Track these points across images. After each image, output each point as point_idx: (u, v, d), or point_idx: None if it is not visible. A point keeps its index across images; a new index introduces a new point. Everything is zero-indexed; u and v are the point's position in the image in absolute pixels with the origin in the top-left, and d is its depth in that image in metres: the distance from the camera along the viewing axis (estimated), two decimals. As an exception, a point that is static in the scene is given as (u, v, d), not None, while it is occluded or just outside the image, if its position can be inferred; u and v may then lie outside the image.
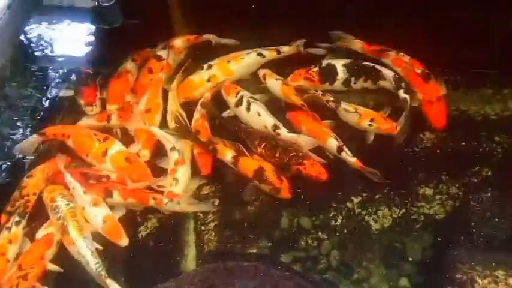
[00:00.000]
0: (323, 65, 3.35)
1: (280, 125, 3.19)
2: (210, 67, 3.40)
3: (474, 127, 3.25)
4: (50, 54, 3.93)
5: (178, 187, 3.01)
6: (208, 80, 3.37)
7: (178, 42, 3.57)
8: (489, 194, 2.87)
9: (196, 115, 3.29)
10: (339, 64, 3.34)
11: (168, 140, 3.14)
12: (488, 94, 3.38)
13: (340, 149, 3.10)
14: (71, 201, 2.97)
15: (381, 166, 3.08)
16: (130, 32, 3.72)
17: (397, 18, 3.28)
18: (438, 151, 3.20)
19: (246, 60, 3.42)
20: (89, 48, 3.89)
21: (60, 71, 3.78)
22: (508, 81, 3.39)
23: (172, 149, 3.11)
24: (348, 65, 3.33)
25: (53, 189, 3.04)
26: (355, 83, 3.31)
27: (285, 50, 3.47)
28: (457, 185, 3.09)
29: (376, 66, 3.29)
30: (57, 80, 3.73)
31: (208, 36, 3.57)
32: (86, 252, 2.75)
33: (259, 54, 3.44)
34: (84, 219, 2.91)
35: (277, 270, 2.63)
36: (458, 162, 3.16)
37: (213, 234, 3.06)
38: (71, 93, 3.53)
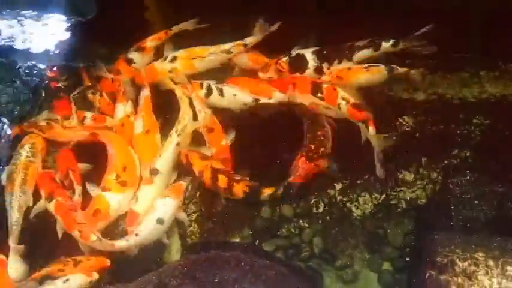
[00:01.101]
0: (292, 55, 3.33)
1: (259, 96, 3.20)
2: (174, 59, 3.38)
3: (452, 110, 3.25)
4: (23, 47, 3.86)
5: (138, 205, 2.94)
6: (170, 71, 3.35)
7: (150, 43, 3.52)
8: (468, 177, 2.89)
9: None
10: (308, 53, 3.30)
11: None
12: (465, 77, 3.38)
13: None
14: (35, 155, 3.10)
15: (360, 151, 3.08)
16: (104, 24, 3.65)
17: (377, 3, 3.26)
18: (417, 135, 3.20)
19: (210, 58, 3.40)
20: (62, 40, 3.82)
21: (32, 64, 3.72)
22: (484, 64, 3.40)
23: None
24: (317, 52, 3.31)
25: (32, 138, 3.23)
26: (328, 68, 3.28)
27: (251, 40, 3.42)
28: (437, 169, 3.10)
29: (345, 44, 3.29)
30: (31, 73, 3.67)
31: (180, 26, 3.54)
32: (14, 204, 2.93)
33: (226, 52, 3.40)
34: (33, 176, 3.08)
35: (259, 259, 2.62)
36: (437, 145, 3.17)
37: (196, 226, 3.04)
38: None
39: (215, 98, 3.24)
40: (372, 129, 2.94)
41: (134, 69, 3.42)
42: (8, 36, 3.88)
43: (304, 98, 3.16)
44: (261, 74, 3.34)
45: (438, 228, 2.66)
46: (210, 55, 3.38)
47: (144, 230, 2.80)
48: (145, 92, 3.30)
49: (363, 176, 3.15)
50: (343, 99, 3.08)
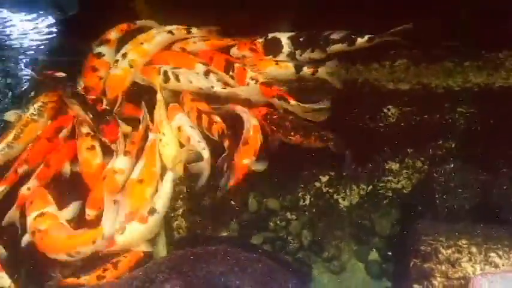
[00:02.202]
0: (268, 37, 3.34)
1: (214, 83, 3.23)
2: (125, 55, 3.33)
3: (437, 100, 3.26)
4: (7, 43, 3.84)
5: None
6: (131, 66, 3.30)
7: (112, 34, 3.48)
8: (452, 165, 2.90)
9: None
10: (285, 37, 3.32)
11: None
12: (449, 67, 3.39)
13: (207, 72, 3.25)
14: (41, 115, 3.21)
15: (346, 142, 3.09)
16: (87, 20, 3.64)
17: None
18: (402, 125, 3.21)
19: (157, 39, 3.42)
20: (46, 37, 3.80)
21: (19, 60, 3.70)
22: (468, 54, 3.41)
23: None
24: (293, 38, 3.32)
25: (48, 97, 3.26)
26: (300, 55, 3.30)
27: (195, 31, 3.51)
28: (422, 158, 3.13)
29: (325, 33, 3.29)
30: (16, 72, 3.65)
31: (142, 23, 3.53)
32: None
33: (169, 32, 3.46)
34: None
35: (246, 252, 2.62)
36: (422, 135, 3.18)
37: (183, 220, 3.05)
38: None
39: (173, 83, 3.26)
40: (293, 101, 3.01)
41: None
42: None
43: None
44: (235, 51, 3.36)
45: (423, 217, 2.68)
46: (155, 35, 3.41)
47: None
48: (152, 136, 3.09)
49: (350, 167, 3.16)
50: (252, 78, 3.18)
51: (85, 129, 3.13)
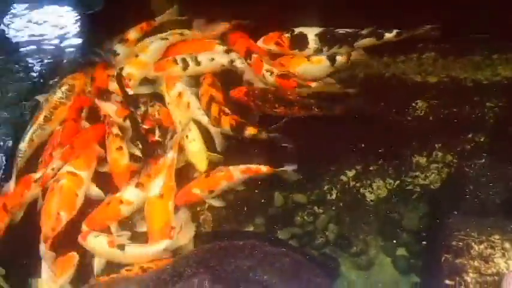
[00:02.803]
0: (295, 33, 3.32)
1: (235, 58, 3.33)
2: (121, 70, 3.29)
3: (466, 93, 3.22)
4: (32, 41, 3.86)
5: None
6: (129, 79, 3.26)
7: (132, 34, 3.50)
8: (483, 160, 2.85)
9: None
10: (312, 33, 3.30)
11: None
12: (478, 60, 3.34)
13: (228, 51, 3.34)
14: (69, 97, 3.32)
15: (373, 137, 3.06)
16: (112, 16, 3.65)
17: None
18: (431, 119, 3.17)
19: (152, 48, 3.38)
20: (72, 34, 3.82)
21: (43, 59, 3.72)
22: (497, 47, 3.36)
23: None
24: (321, 34, 3.29)
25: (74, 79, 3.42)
26: (328, 51, 3.28)
27: (187, 32, 3.50)
28: (452, 153, 3.08)
29: (349, 30, 3.27)
30: (41, 68, 3.67)
31: (162, 19, 3.56)
32: (28, 135, 3.17)
33: (164, 39, 3.44)
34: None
35: (273, 247, 2.61)
36: (451, 129, 3.14)
37: (209, 215, 3.04)
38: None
39: (193, 68, 3.30)
40: (314, 84, 3.13)
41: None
42: (17, 31, 3.89)
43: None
44: (261, 44, 3.36)
45: (453, 212, 2.63)
46: (150, 44, 3.38)
47: None
48: (171, 155, 3.05)
49: (377, 161, 3.13)
50: (267, 71, 3.23)
51: (115, 130, 3.15)
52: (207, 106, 3.17)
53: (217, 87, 3.28)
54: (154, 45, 3.38)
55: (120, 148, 3.07)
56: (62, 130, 3.19)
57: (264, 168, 2.94)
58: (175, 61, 3.30)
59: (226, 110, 3.13)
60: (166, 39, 3.43)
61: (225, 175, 2.95)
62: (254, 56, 3.29)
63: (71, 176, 2.93)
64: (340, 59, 3.17)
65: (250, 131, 3.06)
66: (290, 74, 3.22)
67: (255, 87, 3.22)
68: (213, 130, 3.13)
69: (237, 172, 2.96)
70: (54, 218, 2.81)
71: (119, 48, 3.44)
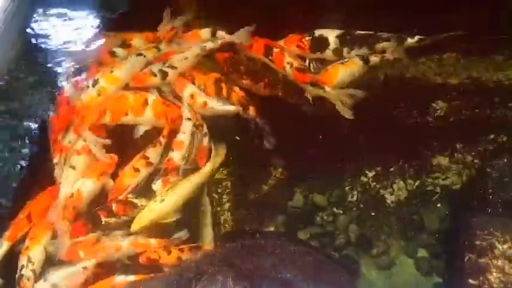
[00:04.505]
0: (315, 35, 3.33)
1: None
2: (95, 82, 3.16)
3: (487, 94, 3.20)
4: (58, 45, 3.90)
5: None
6: (99, 94, 3.14)
7: (135, 41, 3.40)
8: (505, 160, 2.84)
9: None
10: (332, 35, 3.30)
11: None
12: (499, 60, 3.32)
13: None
14: None
15: (393, 138, 3.07)
16: (137, 19, 3.68)
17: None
18: (452, 120, 3.16)
19: (128, 64, 3.24)
20: (96, 37, 3.85)
21: (67, 63, 3.76)
22: (519, 47, 3.34)
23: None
24: (341, 36, 3.29)
25: None
26: (348, 52, 3.27)
27: (162, 47, 3.36)
28: (473, 153, 3.07)
29: (370, 32, 3.26)
30: (66, 73, 3.70)
31: (163, 29, 3.44)
32: None
33: (140, 55, 3.29)
34: None
35: (295, 246, 2.62)
36: (472, 130, 3.13)
37: (229, 215, 3.07)
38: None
39: (172, 73, 3.20)
40: (327, 87, 3.01)
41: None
42: (40, 35, 3.93)
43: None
44: (284, 45, 3.28)
45: (475, 212, 2.63)
46: (125, 61, 3.25)
47: None
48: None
49: (396, 162, 3.13)
50: (288, 63, 3.14)
51: None
52: (216, 92, 3.13)
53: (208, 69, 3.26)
54: (130, 61, 3.26)
55: None
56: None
57: (153, 241, 2.79)
58: (152, 73, 3.19)
59: (235, 88, 3.14)
60: (143, 55, 3.29)
61: (114, 245, 2.79)
62: (275, 50, 3.22)
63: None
64: (373, 59, 3.15)
65: (251, 112, 3.09)
66: (306, 68, 3.17)
67: (237, 55, 3.24)
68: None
69: (126, 243, 2.79)
70: None
71: (119, 51, 3.36)
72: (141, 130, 3.10)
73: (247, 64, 3.20)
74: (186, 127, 2.98)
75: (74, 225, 2.81)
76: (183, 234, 2.80)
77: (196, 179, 2.90)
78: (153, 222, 2.81)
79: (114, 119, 3.02)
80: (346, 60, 3.13)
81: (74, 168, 2.94)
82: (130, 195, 2.86)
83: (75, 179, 2.93)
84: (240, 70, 3.18)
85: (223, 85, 3.14)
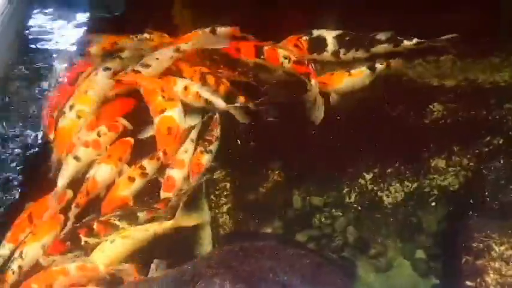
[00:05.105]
0: (313, 36, 3.34)
1: None
2: (72, 107, 3.19)
3: (484, 96, 3.21)
4: (55, 46, 3.90)
5: None
6: (79, 117, 3.17)
7: (94, 49, 3.43)
8: (502, 162, 2.85)
9: None
10: (330, 36, 3.32)
11: None
12: (496, 62, 3.33)
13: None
14: None
15: (391, 140, 3.07)
16: (132, 21, 3.68)
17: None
18: (448, 122, 3.17)
19: (98, 81, 3.26)
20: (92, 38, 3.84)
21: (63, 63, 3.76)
22: (515, 48, 3.35)
23: None
24: (339, 37, 3.31)
25: None
26: (344, 54, 3.30)
27: (126, 55, 3.38)
28: (469, 156, 3.07)
29: (367, 34, 3.28)
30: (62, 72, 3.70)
31: (123, 42, 3.43)
32: None
33: (107, 69, 3.31)
34: None
35: (293, 249, 2.63)
36: (469, 132, 3.13)
37: (227, 217, 3.07)
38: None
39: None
40: (313, 82, 3.07)
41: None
42: (37, 36, 3.92)
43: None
44: (280, 50, 3.32)
45: (472, 214, 2.64)
46: (95, 78, 3.27)
47: None
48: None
49: (393, 164, 3.14)
50: (285, 57, 3.19)
51: None
52: (202, 83, 3.18)
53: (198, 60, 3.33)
54: (99, 77, 3.27)
55: None
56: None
57: (101, 266, 2.72)
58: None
59: (222, 79, 3.19)
60: (109, 69, 3.31)
61: (61, 270, 2.72)
62: (266, 48, 3.25)
63: None
64: (379, 66, 3.17)
65: (241, 100, 3.13)
66: (304, 60, 3.22)
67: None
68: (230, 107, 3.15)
69: (73, 268, 2.72)
70: None
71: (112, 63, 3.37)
72: (148, 132, 3.17)
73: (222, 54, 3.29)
74: (189, 147, 3.05)
75: (53, 242, 2.81)
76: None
77: (155, 228, 2.83)
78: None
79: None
80: (353, 70, 3.17)
81: (78, 159, 2.98)
82: (113, 217, 2.84)
83: (77, 171, 2.99)
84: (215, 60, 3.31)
85: (211, 77, 3.18)
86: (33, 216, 2.91)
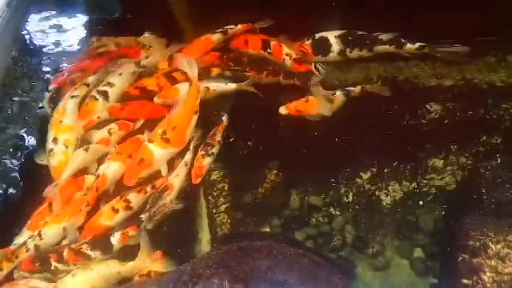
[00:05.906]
0: (316, 38, 3.36)
1: None
2: (55, 140, 3.17)
3: (480, 95, 3.22)
4: (52, 48, 3.91)
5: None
6: (67, 147, 3.17)
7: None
8: (499, 161, 2.86)
9: None
10: (332, 36, 3.34)
11: None
12: (492, 62, 3.35)
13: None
14: None
15: (388, 140, 3.08)
16: (129, 23, 3.70)
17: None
18: (446, 122, 3.18)
19: (69, 109, 3.26)
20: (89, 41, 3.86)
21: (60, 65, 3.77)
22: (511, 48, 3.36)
23: None
24: (342, 36, 3.33)
25: None
26: (350, 52, 3.33)
27: (91, 79, 3.42)
28: (466, 155, 3.09)
29: (370, 34, 3.31)
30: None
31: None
32: None
33: (74, 97, 3.32)
34: None
35: (291, 248, 2.64)
36: (466, 131, 3.14)
37: (226, 217, 3.08)
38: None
39: (114, 93, 3.31)
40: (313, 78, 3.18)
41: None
42: (35, 40, 3.94)
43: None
44: (286, 58, 3.36)
45: (469, 213, 2.65)
46: (65, 106, 3.28)
47: None
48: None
49: (391, 164, 3.15)
50: (287, 54, 3.28)
51: None
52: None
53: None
54: (69, 105, 3.29)
55: None
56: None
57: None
58: (93, 98, 3.26)
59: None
60: (76, 96, 3.34)
61: None
62: (272, 43, 3.33)
63: None
64: (355, 91, 3.19)
65: (250, 75, 3.30)
66: (304, 59, 3.31)
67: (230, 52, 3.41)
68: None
69: None
70: None
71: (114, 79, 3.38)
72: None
73: (249, 56, 3.36)
74: (180, 171, 3.07)
75: (24, 260, 2.78)
76: None
77: (116, 267, 2.78)
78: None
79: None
80: (332, 95, 3.17)
81: (87, 150, 3.06)
82: (85, 245, 2.80)
83: (83, 163, 3.05)
84: (243, 62, 3.34)
85: (214, 69, 3.31)
86: (53, 205, 2.93)
